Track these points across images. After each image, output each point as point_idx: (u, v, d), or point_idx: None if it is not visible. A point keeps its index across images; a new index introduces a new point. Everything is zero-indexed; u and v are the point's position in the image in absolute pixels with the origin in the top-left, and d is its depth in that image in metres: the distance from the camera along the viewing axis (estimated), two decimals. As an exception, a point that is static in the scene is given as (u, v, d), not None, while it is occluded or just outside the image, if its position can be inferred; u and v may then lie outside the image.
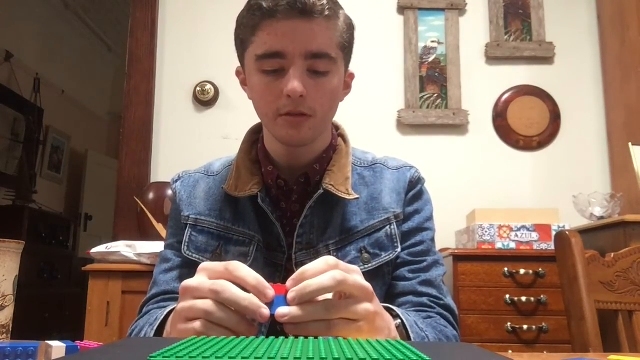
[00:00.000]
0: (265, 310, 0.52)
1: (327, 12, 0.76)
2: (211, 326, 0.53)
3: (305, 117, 0.77)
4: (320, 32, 0.76)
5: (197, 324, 0.54)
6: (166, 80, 2.50)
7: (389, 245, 0.85)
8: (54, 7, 4.46)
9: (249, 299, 0.53)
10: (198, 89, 2.45)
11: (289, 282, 0.54)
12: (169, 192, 2.09)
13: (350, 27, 0.83)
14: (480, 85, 2.48)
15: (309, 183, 0.85)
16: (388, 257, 0.84)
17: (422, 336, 0.70)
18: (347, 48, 0.83)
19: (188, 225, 0.88)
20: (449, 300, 0.85)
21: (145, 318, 0.79)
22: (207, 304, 0.53)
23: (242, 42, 0.82)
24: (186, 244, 0.86)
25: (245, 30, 0.79)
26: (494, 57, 2.49)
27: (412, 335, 0.67)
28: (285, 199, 0.86)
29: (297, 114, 0.76)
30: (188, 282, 0.56)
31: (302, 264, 0.81)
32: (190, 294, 0.55)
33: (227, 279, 0.55)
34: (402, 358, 0.36)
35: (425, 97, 2.46)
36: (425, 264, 0.86)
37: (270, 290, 0.54)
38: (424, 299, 0.83)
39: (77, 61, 4.85)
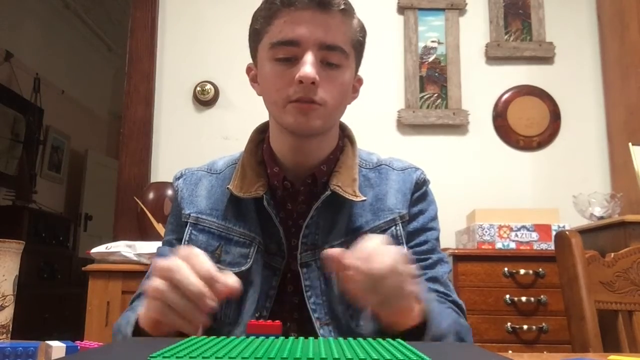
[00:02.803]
0: (210, 302, 0.54)
1: (343, 6, 0.78)
2: (165, 308, 0.55)
3: (316, 105, 0.78)
4: (335, 25, 0.78)
5: (153, 303, 0.56)
6: (166, 80, 2.50)
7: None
8: (54, 7, 4.46)
9: (197, 286, 0.54)
10: (198, 89, 2.45)
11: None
12: (169, 192, 2.09)
13: (362, 29, 0.85)
14: (480, 85, 2.48)
15: (316, 184, 0.85)
16: None
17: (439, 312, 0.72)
18: (358, 48, 0.85)
19: (189, 224, 0.87)
20: (456, 297, 0.85)
21: (128, 314, 0.79)
22: (162, 285, 0.55)
23: (256, 34, 0.83)
24: (186, 242, 0.86)
25: (261, 21, 0.81)
26: (494, 57, 2.49)
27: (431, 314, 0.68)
28: (291, 201, 0.86)
29: (308, 100, 0.77)
30: (156, 261, 0.59)
31: (307, 264, 0.82)
32: (155, 273, 0.58)
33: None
34: (402, 358, 0.36)
35: (425, 97, 2.46)
36: (430, 261, 0.86)
37: (219, 284, 0.55)
38: (432, 296, 0.82)
39: (77, 61, 4.85)
